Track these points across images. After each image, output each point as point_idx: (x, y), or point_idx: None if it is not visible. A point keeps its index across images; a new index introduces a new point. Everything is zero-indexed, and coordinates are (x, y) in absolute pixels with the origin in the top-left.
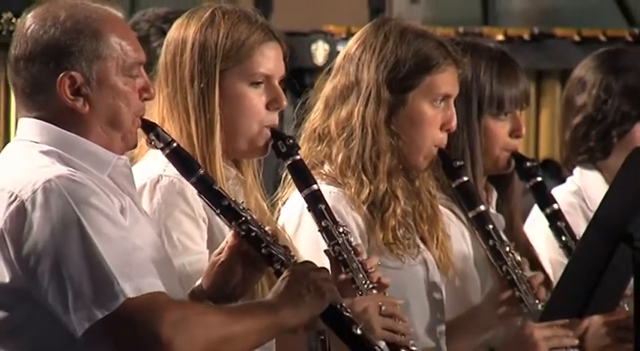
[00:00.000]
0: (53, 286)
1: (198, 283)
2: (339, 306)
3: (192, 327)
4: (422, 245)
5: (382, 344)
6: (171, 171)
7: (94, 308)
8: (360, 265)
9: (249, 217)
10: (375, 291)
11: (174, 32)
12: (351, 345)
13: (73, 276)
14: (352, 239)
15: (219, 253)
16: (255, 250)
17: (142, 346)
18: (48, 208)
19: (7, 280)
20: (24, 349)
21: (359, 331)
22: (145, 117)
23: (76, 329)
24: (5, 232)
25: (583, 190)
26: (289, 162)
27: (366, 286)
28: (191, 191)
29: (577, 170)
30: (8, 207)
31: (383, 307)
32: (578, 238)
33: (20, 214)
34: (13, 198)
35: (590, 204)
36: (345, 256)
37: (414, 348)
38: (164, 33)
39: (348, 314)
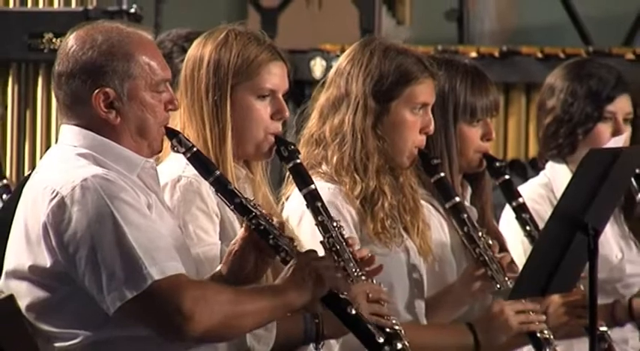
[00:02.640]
0: (89, 270)
1: (217, 269)
2: (336, 290)
3: (211, 303)
4: (404, 234)
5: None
6: (190, 172)
7: (125, 289)
8: (351, 255)
9: (258, 213)
10: (364, 278)
11: (193, 50)
12: (347, 324)
13: (107, 261)
14: (345, 232)
15: (235, 244)
16: (264, 241)
17: (168, 320)
18: (85, 203)
19: (48, 265)
20: (63, 325)
21: (354, 312)
22: (168, 125)
23: (109, 308)
24: (48, 224)
25: (552, 182)
26: (291, 165)
27: (356, 273)
28: (206, 190)
29: (549, 164)
30: (50, 202)
31: (370, 295)
32: (543, 225)
33: (61, 208)
34: (54, 194)
35: (557, 194)
36: (338, 247)
37: (396, 326)
38: (185, 51)
39: (344, 297)
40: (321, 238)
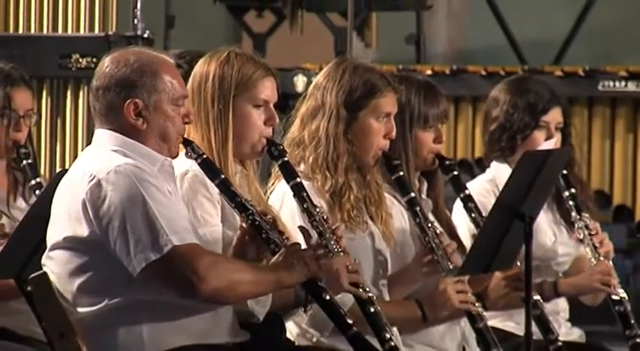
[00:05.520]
0: (120, 238)
1: None
2: (316, 279)
3: (221, 269)
4: (370, 222)
5: (347, 297)
6: (195, 167)
7: (150, 252)
8: (331, 235)
9: (254, 211)
10: (342, 253)
11: (199, 68)
12: (323, 307)
13: (135, 230)
14: (325, 216)
15: (236, 238)
16: (258, 234)
17: (184, 280)
18: (118, 184)
19: (85, 234)
20: (91, 289)
21: (328, 297)
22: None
23: (135, 268)
24: (87, 201)
25: (496, 178)
26: (280, 162)
27: (335, 249)
28: (209, 181)
29: (493, 163)
30: (89, 183)
31: (349, 267)
32: (485, 215)
33: (98, 187)
34: (92, 177)
35: (500, 188)
36: (321, 228)
37: (370, 294)
38: (179, 66)
39: (321, 285)
40: (304, 222)
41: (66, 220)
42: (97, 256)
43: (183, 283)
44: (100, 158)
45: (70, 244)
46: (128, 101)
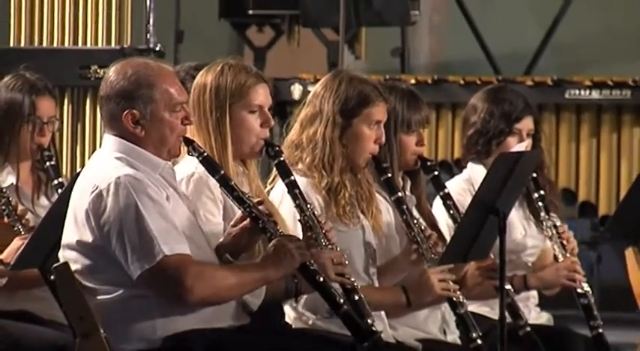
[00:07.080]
0: (119, 246)
1: (220, 241)
2: (308, 263)
3: (207, 278)
4: (361, 216)
5: (336, 286)
6: (200, 169)
7: (143, 261)
8: (320, 229)
9: (252, 204)
10: (330, 247)
11: (198, 80)
12: (317, 288)
13: (131, 239)
14: (316, 212)
15: (233, 226)
16: (255, 224)
17: (173, 289)
18: (117, 195)
19: (90, 240)
20: (102, 284)
21: (321, 279)
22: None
23: (133, 274)
24: (89, 210)
25: (472, 178)
26: (276, 162)
27: (324, 243)
28: (212, 182)
29: (469, 165)
30: (91, 194)
31: (334, 260)
32: (462, 211)
33: (99, 198)
34: (94, 188)
35: (475, 187)
36: (311, 223)
37: (355, 284)
38: (195, 78)
39: (314, 268)
40: (298, 217)
41: (73, 224)
42: (102, 259)
43: (172, 293)
44: (104, 168)
45: (78, 247)
46: (126, 112)
